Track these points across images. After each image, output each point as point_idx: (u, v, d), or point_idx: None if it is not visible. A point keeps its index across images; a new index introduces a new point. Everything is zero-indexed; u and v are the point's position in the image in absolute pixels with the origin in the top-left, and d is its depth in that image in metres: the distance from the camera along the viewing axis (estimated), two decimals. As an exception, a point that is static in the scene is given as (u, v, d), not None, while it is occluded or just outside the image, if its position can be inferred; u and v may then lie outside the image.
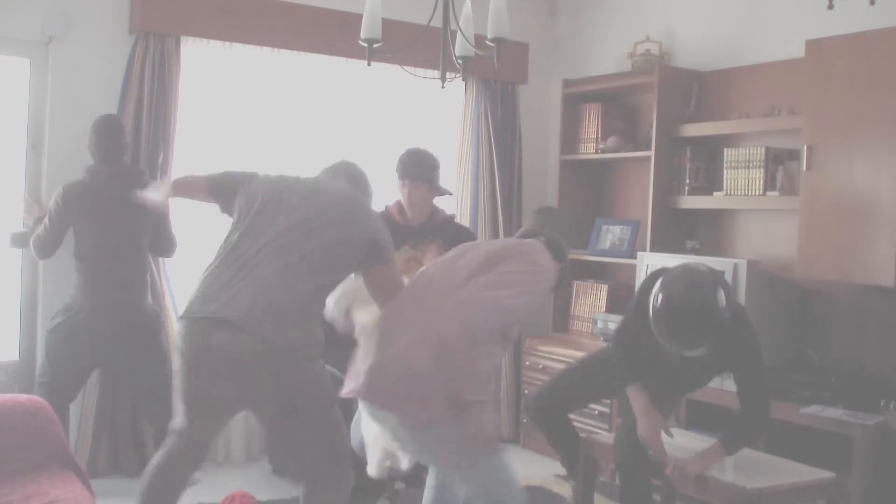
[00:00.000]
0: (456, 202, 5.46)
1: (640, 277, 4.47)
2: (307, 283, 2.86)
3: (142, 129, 4.53)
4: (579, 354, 4.61)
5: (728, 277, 4.20)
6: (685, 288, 3.15)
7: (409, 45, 3.57)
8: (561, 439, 4.01)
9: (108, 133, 4.22)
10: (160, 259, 4.58)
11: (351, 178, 3.21)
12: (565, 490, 4.45)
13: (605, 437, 3.91)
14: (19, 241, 4.43)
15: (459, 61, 3.77)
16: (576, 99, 5.51)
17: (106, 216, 4.16)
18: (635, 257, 4.84)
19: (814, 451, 3.74)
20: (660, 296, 3.16)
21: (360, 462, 3.17)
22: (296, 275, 2.84)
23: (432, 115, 5.49)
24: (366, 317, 3.02)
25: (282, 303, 2.81)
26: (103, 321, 4.13)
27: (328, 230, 2.92)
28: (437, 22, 3.59)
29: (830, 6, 3.10)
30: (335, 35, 4.88)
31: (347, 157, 3.39)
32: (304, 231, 2.90)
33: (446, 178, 4.61)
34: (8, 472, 3.01)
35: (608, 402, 4.70)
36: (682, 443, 3.85)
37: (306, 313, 2.89)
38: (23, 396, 3.42)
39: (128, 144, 4.33)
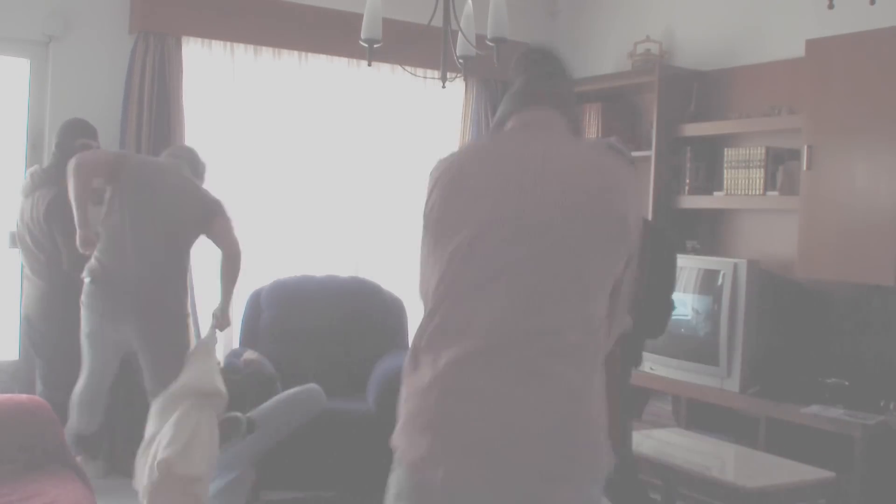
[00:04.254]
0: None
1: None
2: None
3: (143, 129, 4.52)
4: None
5: (728, 277, 4.21)
6: None
7: (410, 45, 3.57)
8: None
9: None
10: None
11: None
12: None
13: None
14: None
15: (460, 61, 3.77)
16: (576, 99, 5.49)
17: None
18: (636, 257, 4.82)
19: (814, 451, 3.74)
20: None
21: None
22: None
23: (432, 115, 5.48)
24: None
25: None
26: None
27: None
28: (438, 22, 3.59)
29: (830, 6, 3.10)
30: (335, 35, 4.88)
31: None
32: None
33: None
34: (8, 471, 3.01)
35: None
36: (682, 443, 3.85)
37: None
38: (23, 396, 3.42)
39: None
